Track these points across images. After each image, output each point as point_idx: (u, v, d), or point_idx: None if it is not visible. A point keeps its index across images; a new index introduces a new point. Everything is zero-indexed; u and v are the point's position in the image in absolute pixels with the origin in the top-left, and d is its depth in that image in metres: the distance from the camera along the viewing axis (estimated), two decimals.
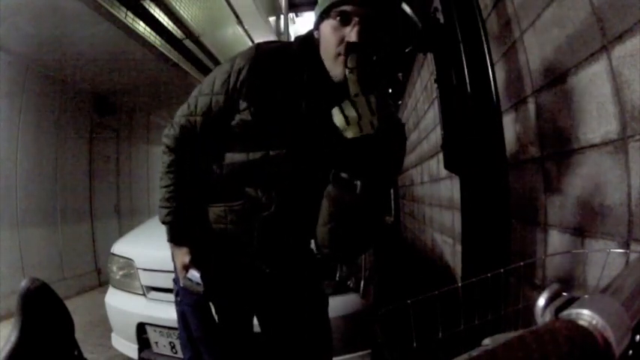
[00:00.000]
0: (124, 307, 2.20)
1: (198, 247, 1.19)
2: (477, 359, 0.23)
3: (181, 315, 1.27)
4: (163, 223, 1.18)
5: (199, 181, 1.17)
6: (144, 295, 2.18)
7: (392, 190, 10.55)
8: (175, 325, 1.98)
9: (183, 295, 1.24)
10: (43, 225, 4.41)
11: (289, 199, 1.10)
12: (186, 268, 1.16)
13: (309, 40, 1.04)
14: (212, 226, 1.17)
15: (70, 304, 0.60)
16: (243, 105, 1.03)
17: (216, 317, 1.23)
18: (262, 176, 1.07)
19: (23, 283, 0.53)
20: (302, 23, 16.16)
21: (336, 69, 0.96)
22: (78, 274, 4.83)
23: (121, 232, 4.76)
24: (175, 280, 1.27)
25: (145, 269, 2.18)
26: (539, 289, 1.56)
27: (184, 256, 1.16)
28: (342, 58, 0.93)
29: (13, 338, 0.49)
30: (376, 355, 1.82)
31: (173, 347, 2.01)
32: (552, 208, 1.49)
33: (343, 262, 1.29)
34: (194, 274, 1.14)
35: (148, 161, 6.76)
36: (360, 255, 1.39)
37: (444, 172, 3.26)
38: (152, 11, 4.31)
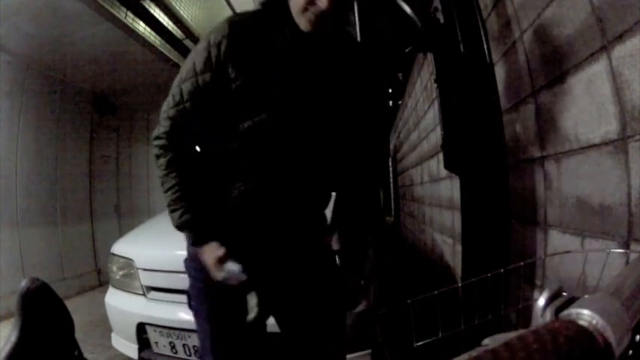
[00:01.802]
0: (124, 307, 2.20)
1: (226, 236, 1.10)
2: (477, 359, 0.23)
3: (207, 318, 1.16)
4: (179, 228, 1.09)
5: (205, 168, 1.12)
6: (144, 295, 2.18)
7: (392, 191, 10.56)
8: (175, 325, 1.98)
9: (205, 298, 1.15)
10: (43, 225, 4.41)
11: (301, 163, 1.10)
12: (221, 261, 1.05)
13: (278, 1, 1.06)
14: (233, 209, 1.11)
15: (70, 304, 0.60)
16: (233, 74, 1.01)
17: (251, 314, 1.11)
18: (273, 142, 1.05)
19: (23, 283, 0.53)
20: None
21: (301, 21, 1.01)
22: (78, 274, 4.83)
23: (121, 232, 4.76)
24: (189, 290, 1.19)
25: (145, 269, 2.18)
26: (539, 289, 1.56)
27: (216, 250, 1.06)
28: (308, 14, 0.99)
29: (13, 338, 0.49)
30: (376, 355, 1.82)
31: (173, 347, 2.01)
32: (552, 208, 1.49)
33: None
34: (232, 266, 1.04)
35: (148, 161, 6.76)
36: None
37: (444, 172, 3.26)
38: (152, 11, 4.31)
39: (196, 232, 1.09)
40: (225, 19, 1.05)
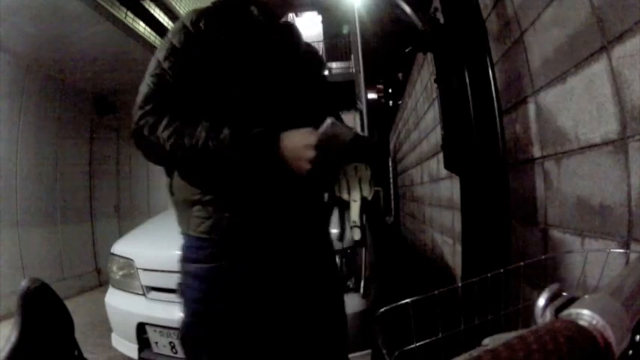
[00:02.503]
0: (124, 307, 2.20)
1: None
2: (477, 359, 0.23)
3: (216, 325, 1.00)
4: (235, 137, 0.90)
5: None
6: (144, 295, 2.18)
7: (392, 191, 10.57)
8: (175, 325, 1.98)
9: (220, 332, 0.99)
10: (43, 225, 4.41)
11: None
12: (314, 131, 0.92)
13: None
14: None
15: (70, 304, 0.60)
16: (211, 51, 0.99)
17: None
18: (260, 117, 1.00)
19: (23, 283, 0.53)
20: (302, 23, 16.19)
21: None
22: (78, 274, 4.83)
23: (121, 232, 4.76)
24: (186, 279, 1.04)
25: (145, 269, 2.18)
26: (539, 289, 1.56)
27: (297, 132, 0.92)
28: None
29: (13, 338, 0.49)
30: (376, 355, 1.82)
31: (173, 347, 2.01)
32: (552, 208, 1.49)
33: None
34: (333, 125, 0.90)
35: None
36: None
37: (444, 172, 3.26)
38: (152, 11, 4.31)
39: (260, 131, 0.91)
40: (190, 11, 1.05)
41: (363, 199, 1.04)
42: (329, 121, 0.91)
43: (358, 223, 1.03)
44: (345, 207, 1.07)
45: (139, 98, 0.98)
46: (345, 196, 1.04)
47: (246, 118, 0.97)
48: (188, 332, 1.02)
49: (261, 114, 1.00)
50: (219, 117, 0.96)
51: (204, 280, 0.99)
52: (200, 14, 1.02)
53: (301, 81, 1.12)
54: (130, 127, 1.01)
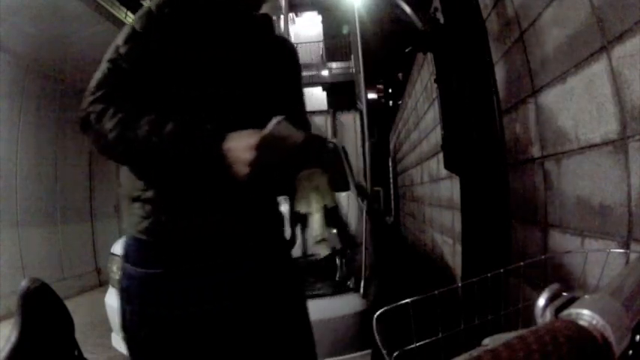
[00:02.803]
0: None
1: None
2: (477, 359, 0.23)
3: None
4: (179, 134, 0.84)
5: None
6: None
7: (392, 191, 10.57)
8: None
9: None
10: (43, 225, 4.41)
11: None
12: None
13: None
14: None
15: (70, 304, 0.60)
16: (173, 41, 0.93)
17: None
18: (219, 113, 0.94)
19: (23, 283, 0.53)
20: (302, 23, 16.20)
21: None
22: (78, 274, 4.83)
23: (121, 232, 4.76)
24: (121, 277, 0.96)
25: None
26: (539, 289, 1.56)
27: (241, 133, 0.84)
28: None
29: (13, 338, 0.49)
30: (376, 355, 1.82)
31: None
32: (552, 208, 1.49)
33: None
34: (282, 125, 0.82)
35: None
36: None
37: (444, 172, 3.26)
38: None
39: (204, 128, 0.85)
40: (149, 3, 0.99)
41: (327, 209, 0.94)
42: (275, 120, 0.82)
43: (321, 237, 0.93)
44: (304, 222, 0.96)
45: (92, 84, 0.91)
46: (302, 209, 0.94)
47: (199, 111, 0.93)
48: (129, 332, 0.96)
49: (214, 108, 0.95)
50: (173, 106, 0.92)
51: (140, 284, 0.92)
52: (165, 1, 0.95)
53: (262, 78, 1.04)
54: None
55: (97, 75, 0.92)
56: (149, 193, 0.92)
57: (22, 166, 4.12)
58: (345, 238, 0.98)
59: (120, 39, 0.93)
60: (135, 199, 0.94)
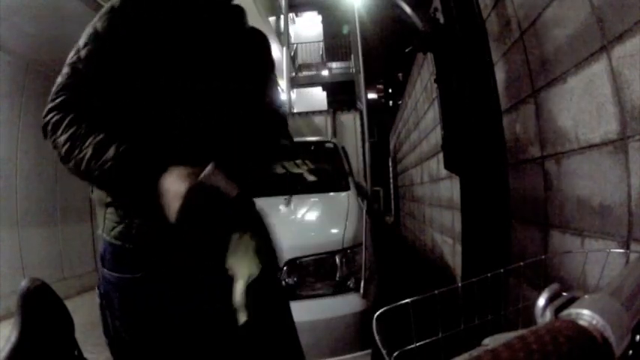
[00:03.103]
0: None
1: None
2: (477, 359, 0.23)
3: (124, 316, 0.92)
4: (113, 165, 0.79)
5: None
6: None
7: (392, 191, 10.57)
8: None
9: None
10: (43, 225, 4.41)
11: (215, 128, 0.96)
12: (194, 175, 0.79)
13: None
14: None
15: (70, 304, 0.60)
16: (139, 36, 0.90)
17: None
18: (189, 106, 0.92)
19: (23, 283, 0.53)
20: (302, 23, 16.20)
21: None
22: (78, 274, 4.83)
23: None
24: (100, 281, 0.95)
25: None
26: (539, 289, 1.56)
27: (184, 168, 0.80)
28: None
29: (13, 338, 0.49)
30: (376, 355, 1.82)
31: None
32: (552, 208, 1.49)
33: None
34: (213, 175, 0.77)
35: None
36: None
37: (443, 172, 3.26)
38: None
39: (151, 154, 0.81)
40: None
41: (251, 276, 0.86)
42: (209, 168, 0.77)
43: (240, 304, 0.85)
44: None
45: (53, 89, 0.89)
46: (230, 271, 0.87)
47: (172, 105, 0.91)
48: (111, 337, 0.96)
49: (187, 101, 0.92)
50: (146, 102, 0.90)
51: (118, 289, 0.91)
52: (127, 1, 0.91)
53: (234, 70, 1.01)
54: None
55: (58, 80, 0.90)
56: (121, 198, 0.91)
57: (22, 166, 4.12)
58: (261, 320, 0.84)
59: (81, 40, 0.90)
60: (108, 205, 0.93)
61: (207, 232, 0.87)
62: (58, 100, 0.87)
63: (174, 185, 0.78)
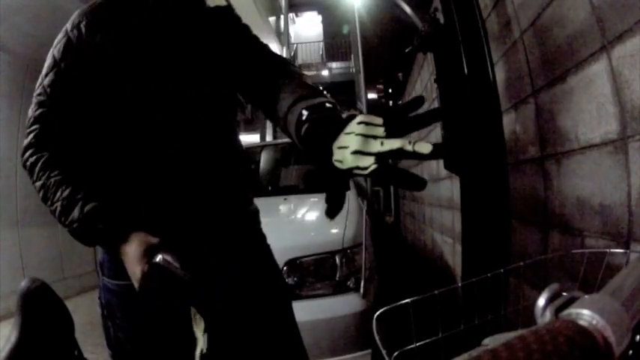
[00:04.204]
0: None
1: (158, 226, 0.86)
2: (477, 359, 0.23)
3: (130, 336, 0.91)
4: (83, 227, 0.80)
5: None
6: None
7: (392, 191, 10.57)
8: None
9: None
10: (43, 225, 4.41)
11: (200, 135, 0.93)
12: (151, 251, 0.79)
13: None
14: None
15: (70, 304, 0.60)
16: (102, 51, 0.87)
17: (198, 347, 0.88)
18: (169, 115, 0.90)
19: (23, 283, 0.53)
20: (302, 23, 16.21)
21: None
22: (78, 274, 4.83)
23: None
24: (100, 291, 0.95)
25: None
26: (539, 289, 1.56)
27: (144, 239, 0.80)
28: None
29: (13, 338, 0.49)
30: (376, 355, 1.82)
31: None
32: (552, 208, 1.49)
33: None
34: (168, 257, 0.78)
35: None
36: None
37: (443, 172, 3.26)
38: None
39: (112, 218, 0.80)
40: (77, 12, 0.93)
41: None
42: (159, 257, 0.77)
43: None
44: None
45: (26, 122, 0.89)
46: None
47: (156, 117, 0.89)
48: (115, 348, 0.95)
49: (172, 112, 0.90)
50: (128, 116, 0.88)
51: (119, 297, 0.90)
52: (81, 15, 0.89)
53: (206, 58, 0.96)
54: None
55: (29, 113, 0.89)
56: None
57: None
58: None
59: (44, 70, 0.89)
60: None
61: (167, 304, 0.87)
62: (31, 137, 0.87)
63: (131, 264, 0.79)
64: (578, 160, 1.30)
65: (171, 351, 0.91)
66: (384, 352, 0.61)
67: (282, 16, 11.75)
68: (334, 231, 2.09)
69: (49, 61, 0.90)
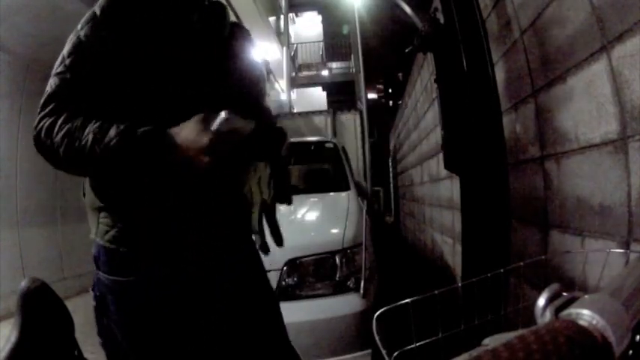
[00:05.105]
0: None
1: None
2: (477, 359, 0.23)
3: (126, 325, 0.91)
4: (120, 140, 0.78)
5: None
6: None
7: (392, 191, 10.57)
8: None
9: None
10: (43, 225, 4.41)
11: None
12: (208, 119, 0.79)
13: None
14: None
15: (70, 304, 0.60)
16: (125, 37, 0.88)
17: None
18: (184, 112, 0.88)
19: (23, 283, 0.53)
20: (302, 23, 16.20)
21: None
22: (78, 274, 4.82)
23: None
24: (95, 284, 0.94)
25: None
26: (539, 289, 1.56)
27: (196, 117, 0.80)
28: None
29: (13, 338, 0.49)
30: (376, 355, 1.82)
31: None
32: (552, 208, 1.49)
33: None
34: (228, 114, 0.78)
35: None
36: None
37: (443, 172, 3.26)
38: None
39: (147, 130, 0.80)
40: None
41: (263, 202, 0.93)
42: (223, 115, 0.79)
43: (256, 229, 0.92)
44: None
45: (41, 100, 0.88)
46: (249, 198, 0.93)
47: (156, 117, 0.87)
48: (109, 347, 0.95)
49: (172, 112, 0.89)
50: (129, 114, 0.87)
51: (114, 293, 0.91)
52: (112, 0, 0.90)
53: (222, 69, 0.99)
54: None
55: (47, 89, 0.90)
56: (114, 202, 0.91)
57: (22, 166, 4.12)
58: (277, 238, 0.94)
59: (66, 49, 0.90)
60: (101, 209, 0.93)
61: (234, 171, 0.92)
62: (48, 108, 0.86)
63: (193, 140, 0.79)
64: (578, 160, 1.30)
65: (166, 345, 0.91)
66: (384, 352, 0.61)
67: (282, 16, 11.74)
68: (334, 231, 2.09)
69: (73, 39, 0.90)
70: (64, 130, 0.82)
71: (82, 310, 1.40)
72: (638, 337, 0.28)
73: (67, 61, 0.88)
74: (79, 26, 0.91)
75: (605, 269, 0.73)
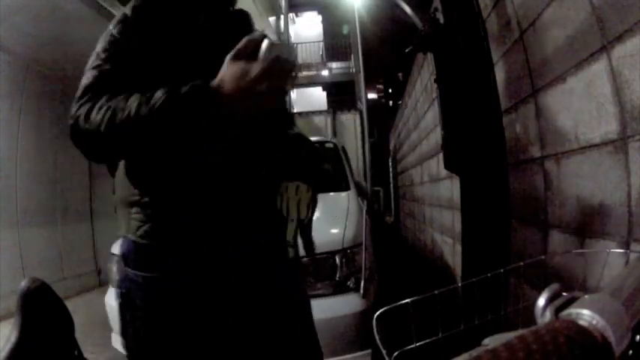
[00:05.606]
0: None
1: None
2: (477, 359, 0.23)
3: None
4: (169, 96, 0.80)
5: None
6: None
7: (392, 191, 10.57)
8: None
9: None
10: (43, 225, 4.41)
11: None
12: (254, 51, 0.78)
13: None
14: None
15: (70, 304, 0.60)
16: (155, 40, 0.91)
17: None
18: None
19: (23, 283, 0.53)
20: (302, 23, 16.20)
21: None
22: (78, 274, 4.83)
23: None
24: (121, 281, 0.96)
25: None
26: (539, 289, 1.56)
27: (227, 65, 0.80)
28: None
29: (13, 338, 0.49)
30: (376, 355, 1.82)
31: None
32: (552, 208, 1.49)
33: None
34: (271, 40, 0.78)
35: None
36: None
37: (443, 172, 3.26)
38: None
39: (192, 84, 0.81)
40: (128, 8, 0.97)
41: (300, 221, 1.01)
42: (266, 41, 0.77)
43: (292, 243, 0.99)
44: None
45: (77, 92, 0.90)
46: (284, 212, 0.99)
47: None
48: (130, 339, 0.96)
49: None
50: None
51: (142, 289, 0.91)
52: (142, 1, 0.94)
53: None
54: None
55: (83, 82, 0.91)
56: (147, 197, 0.92)
57: (22, 166, 4.12)
58: (309, 248, 1.05)
59: (100, 46, 0.92)
60: (133, 204, 0.93)
61: (280, 95, 0.89)
62: (85, 97, 0.88)
63: (242, 74, 0.78)
64: (578, 160, 1.30)
65: (189, 343, 0.92)
66: (384, 352, 0.61)
67: (282, 16, 11.75)
68: (334, 231, 2.09)
69: (107, 37, 0.93)
70: (104, 108, 0.83)
71: (82, 310, 1.39)
72: (638, 337, 0.28)
73: (103, 56, 0.91)
74: (111, 26, 0.94)
75: (605, 269, 0.73)
